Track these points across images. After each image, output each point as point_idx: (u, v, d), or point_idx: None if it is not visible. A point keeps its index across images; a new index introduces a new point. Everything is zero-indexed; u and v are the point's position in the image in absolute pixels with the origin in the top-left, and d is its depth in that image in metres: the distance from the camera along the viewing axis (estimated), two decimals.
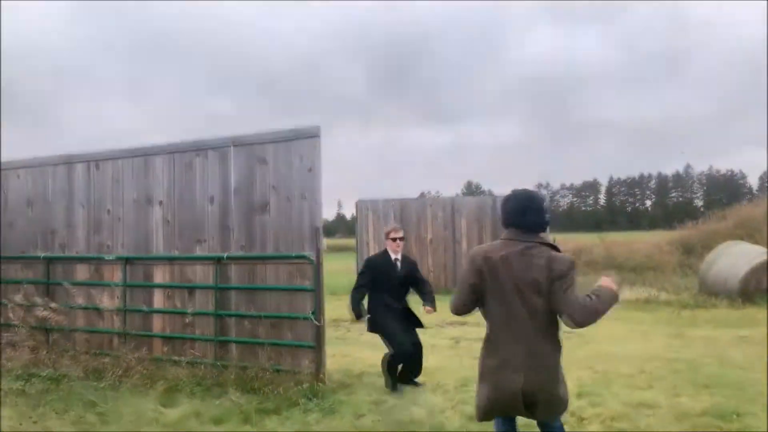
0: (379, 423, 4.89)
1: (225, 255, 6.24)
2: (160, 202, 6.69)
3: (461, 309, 3.18)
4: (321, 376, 5.63)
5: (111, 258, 6.90)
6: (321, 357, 5.72)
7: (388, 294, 5.75)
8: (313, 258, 5.76)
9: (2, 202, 7.77)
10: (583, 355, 7.26)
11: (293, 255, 5.89)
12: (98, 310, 6.96)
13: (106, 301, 6.96)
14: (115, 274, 6.91)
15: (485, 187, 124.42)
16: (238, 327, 6.20)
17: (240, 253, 6.21)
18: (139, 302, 6.78)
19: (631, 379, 6.22)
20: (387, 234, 5.97)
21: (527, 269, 2.97)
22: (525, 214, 3.07)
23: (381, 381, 6.04)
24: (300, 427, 4.77)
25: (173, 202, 6.63)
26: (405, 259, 6.00)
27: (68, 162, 7.32)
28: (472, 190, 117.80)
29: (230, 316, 6.24)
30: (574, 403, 4.97)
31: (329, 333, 9.74)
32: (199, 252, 6.45)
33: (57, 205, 7.39)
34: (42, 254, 7.37)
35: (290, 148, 5.97)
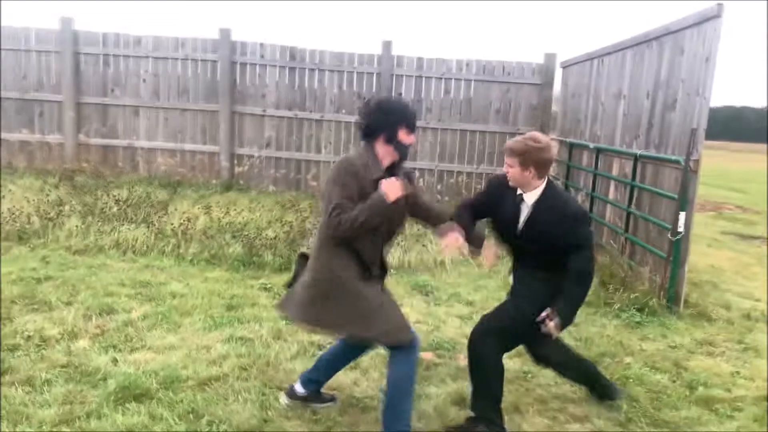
0: (651, 372, 3.95)
1: (638, 153, 6.05)
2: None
3: None
4: (662, 293, 5.04)
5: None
6: (669, 273, 5.04)
7: None
8: (682, 162, 4.97)
9: (565, 94, 9.42)
10: None
11: (667, 157, 5.22)
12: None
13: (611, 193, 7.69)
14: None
15: None
16: (641, 225, 6.05)
17: (649, 153, 5.88)
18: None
19: None
20: None
21: None
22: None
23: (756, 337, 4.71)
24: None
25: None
26: None
27: (588, 58, 8.18)
28: None
29: (629, 212, 6.19)
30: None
31: None
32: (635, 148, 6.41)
33: (581, 98, 8.46)
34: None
35: (699, 33, 5.09)
